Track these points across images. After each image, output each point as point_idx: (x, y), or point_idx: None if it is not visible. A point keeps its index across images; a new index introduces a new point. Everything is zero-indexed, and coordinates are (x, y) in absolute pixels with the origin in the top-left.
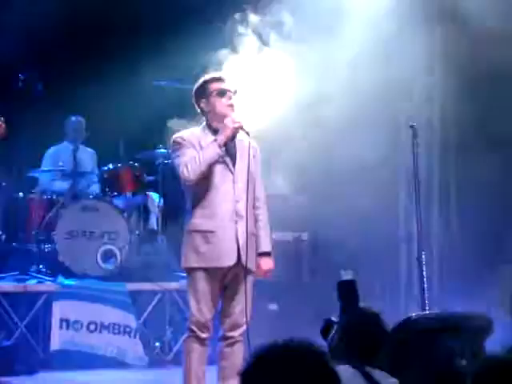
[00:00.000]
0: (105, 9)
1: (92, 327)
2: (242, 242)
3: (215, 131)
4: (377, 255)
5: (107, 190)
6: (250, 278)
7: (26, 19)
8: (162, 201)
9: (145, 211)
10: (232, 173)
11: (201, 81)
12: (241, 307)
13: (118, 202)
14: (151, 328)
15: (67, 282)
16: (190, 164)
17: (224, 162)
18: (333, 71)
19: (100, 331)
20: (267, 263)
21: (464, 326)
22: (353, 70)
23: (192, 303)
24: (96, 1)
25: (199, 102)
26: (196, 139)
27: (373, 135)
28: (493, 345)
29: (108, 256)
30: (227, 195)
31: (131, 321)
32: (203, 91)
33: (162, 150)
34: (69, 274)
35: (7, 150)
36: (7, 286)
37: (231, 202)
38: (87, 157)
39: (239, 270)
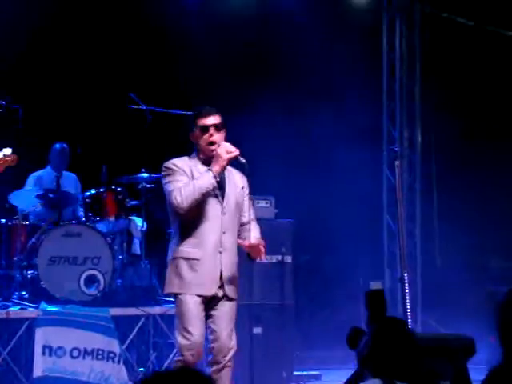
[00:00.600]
0: (84, 32)
1: (75, 353)
2: (224, 271)
3: (204, 161)
4: (361, 275)
5: (90, 214)
6: (233, 305)
7: (6, 43)
8: (145, 225)
9: (128, 236)
10: (221, 204)
11: (191, 115)
12: (227, 332)
13: (101, 226)
14: (135, 353)
15: (50, 308)
16: (183, 191)
17: (214, 193)
18: None
19: (83, 357)
20: (260, 243)
21: (447, 347)
22: None
23: (180, 328)
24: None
25: (188, 132)
26: (188, 167)
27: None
28: (476, 365)
29: (91, 281)
30: (215, 226)
31: (115, 346)
32: (192, 124)
33: (145, 174)
34: (51, 299)
35: None
36: None
37: (218, 233)
38: (70, 182)
39: (223, 296)
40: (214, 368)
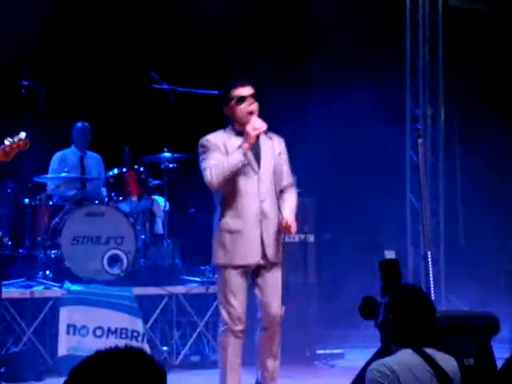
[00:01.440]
0: (105, 12)
1: (98, 332)
2: (266, 239)
3: (239, 133)
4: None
5: (113, 194)
6: (278, 272)
7: (28, 25)
8: (167, 205)
9: (150, 215)
10: (257, 173)
11: (223, 86)
12: (274, 300)
13: (124, 206)
14: (158, 332)
15: (74, 287)
16: (214, 170)
17: (249, 164)
18: None
19: (107, 336)
20: (291, 221)
21: (470, 324)
22: None
23: (222, 298)
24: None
25: (222, 106)
26: (221, 141)
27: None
28: (500, 343)
29: (114, 261)
30: (253, 196)
31: (138, 325)
32: (224, 97)
33: (167, 154)
34: (75, 279)
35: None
36: (14, 292)
37: (257, 202)
38: (94, 162)
39: (267, 264)
40: (263, 333)
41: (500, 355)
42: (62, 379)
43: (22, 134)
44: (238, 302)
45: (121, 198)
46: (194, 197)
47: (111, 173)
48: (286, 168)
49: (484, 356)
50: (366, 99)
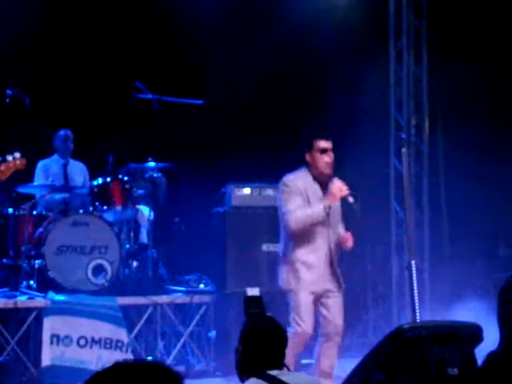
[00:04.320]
0: (90, 21)
1: (82, 342)
2: (336, 270)
3: (316, 178)
4: (369, 264)
5: (97, 204)
6: (341, 294)
7: (12, 34)
8: (152, 214)
9: (135, 225)
10: (329, 220)
11: (308, 134)
12: (338, 316)
13: (108, 216)
14: (143, 342)
15: (58, 297)
16: (298, 218)
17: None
18: None
19: (91, 346)
20: (348, 235)
21: (455, 334)
22: None
23: (294, 317)
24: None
25: (304, 152)
26: (303, 185)
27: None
28: (483, 353)
29: (98, 270)
30: (324, 238)
31: (123, 335)
32: (308, 145)
33: (152, 163)
34: (59, 289)
35: None
36: None
37: (327, 243)
38: (77, 171)
39: (332, 289)
40: (328, 343)
41: None
42: None
43: (17, 154)
44: (307, 321)
45: (105, 208)
46: (179, 206)
47: (95, 182)
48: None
49: (468, 365)
50: (351, 108)
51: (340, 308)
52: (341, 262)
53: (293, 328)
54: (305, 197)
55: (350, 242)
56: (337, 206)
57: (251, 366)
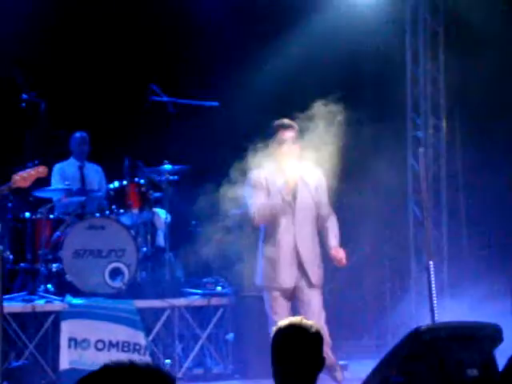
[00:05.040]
0: (105, 24)
1: (100, 345)
2: (305, 263)
3: (280, 168)
4: (388, 264)
5: (113, 207)
6: (317, 292)
7: (27, 37)
8: (168, 217)
9: (152, 228)
10: (292, 206)
11: (274, 124)
12: (314, 314)
13: (125, 219)
14: (161, 345)
15: (75, 300)
16: (260, 211)
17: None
18: None
19: (108, 349)
20: (338, 252)
21: (474, 335)
22: None
23: (269, 317)
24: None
25: (271, 142)
26: (265, 177)
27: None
28: (502, 354)
29: (116, 274)
30: (289, 233)
31: (140, 338)
32: (273, 135)
33: (168, 166)
34: (76, 292)
35: (12, 171)
36: (16, 306)
37: (292, 232)
38: (94, 173)
39: (304, 286)
40: None
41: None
42: None
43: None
44: (281, 319)
45: (122, 211)
46: (195, 209)
47: (112, 185)
48: (324, 199)
49: (488, 366)
50: (368, 110)
51: (314, 307)
52: (317, 259)
53: (269, 328)
54: (266, 189)
55: (341, 259)
56: (306, 193)
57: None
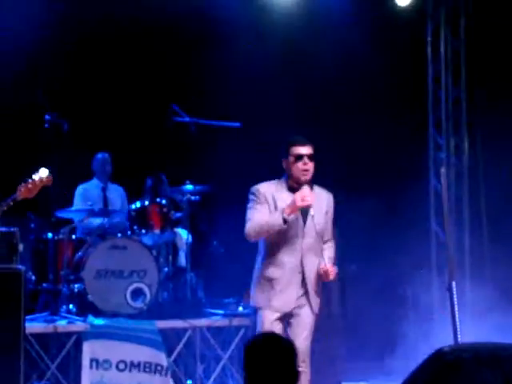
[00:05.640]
0: (127, 44)
1: (121, 366)
2: (309, 292)
3: (290, 188)
4: (409, 284)
5: (135, 227)
6: (310, 316)
7: (48, 59)
8: (190, 237)
9: (173, 248)
10: (302, 229)
11: (285, 141)
12: (303, 341)
13: (147, 239)
14: (182, 366)
15: (97, 321)
16: (255, 225)
17: (296, 218)
18: None
19: (130, 370)
20: (331, 268)
21: (498, 356)
22: None
23: None
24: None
25: (281, 159)
26: (271, 193)
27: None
28: None
29: (137, 294)
30: (294, 253)
31: (162, 359)
32: (285, 151)
33: (189, 186)
34: (98, 313)
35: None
36: (37, 326)
37: (298, 256)
38: (116, 194)
39: (302, 311)
40: None
41: None
42: None
43: (44, 172)
44: None
45: (143, 231)
46: (217, 229)
47: (133, 206)
48: (330, 225)
49: None
50: (389, 130)
51: (304, 330)
52: (320, 288)
53: None
54: (272, 206)
55: (330, 276)
56: (317, 216)
57: None
